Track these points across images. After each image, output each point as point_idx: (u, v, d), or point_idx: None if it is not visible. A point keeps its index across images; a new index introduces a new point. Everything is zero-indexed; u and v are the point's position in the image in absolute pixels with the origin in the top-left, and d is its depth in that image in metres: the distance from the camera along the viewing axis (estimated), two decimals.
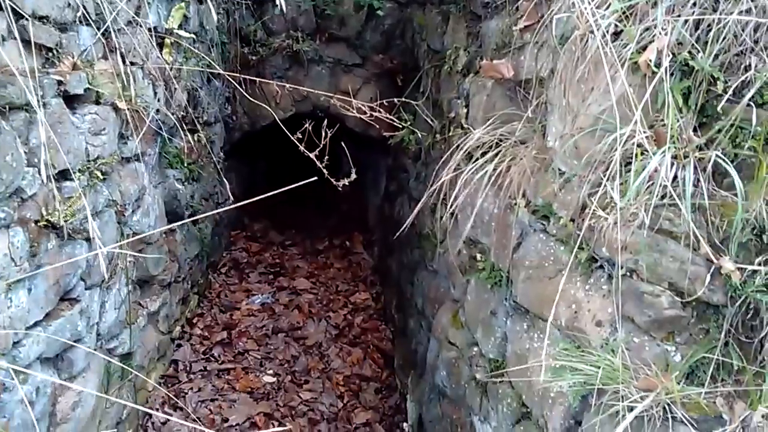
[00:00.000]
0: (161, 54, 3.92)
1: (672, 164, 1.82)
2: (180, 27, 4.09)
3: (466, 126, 3.09)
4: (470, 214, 3.04)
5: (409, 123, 5.02)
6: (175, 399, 4.02)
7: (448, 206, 3.50)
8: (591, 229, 2.00)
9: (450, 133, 3.30)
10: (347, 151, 6.90)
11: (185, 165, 4.61)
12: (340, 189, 3.01)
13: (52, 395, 2.81)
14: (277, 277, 5.91)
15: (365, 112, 3.28)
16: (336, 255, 6.52)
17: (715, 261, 1.72)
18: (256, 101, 5.10)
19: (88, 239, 3.00)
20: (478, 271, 2.82)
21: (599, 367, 1.79)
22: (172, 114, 4.13)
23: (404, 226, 3.12)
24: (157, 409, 3.96)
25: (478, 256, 2.87)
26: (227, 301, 5.37)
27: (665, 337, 1.82)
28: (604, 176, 1.94)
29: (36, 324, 2.58)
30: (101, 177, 3.03)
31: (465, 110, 3.21)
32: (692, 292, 1.75)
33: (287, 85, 4.84)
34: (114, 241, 3.34)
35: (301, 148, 2.98)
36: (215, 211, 3.74)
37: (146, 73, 3.66)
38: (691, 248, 1.75)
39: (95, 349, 3.24)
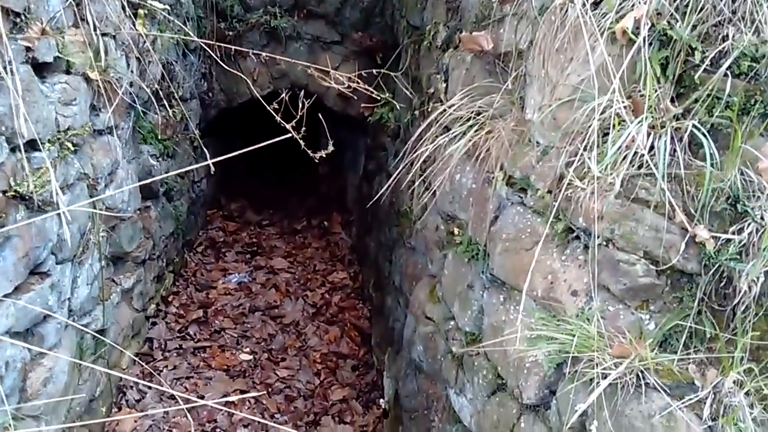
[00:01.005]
0: (135, 25, 3.82)
1: (649, 134, 1.82)
2: None
3: (444, 101, 3.07)
4: (448, 189, 3.04)
5: (387, 98, 5.00)
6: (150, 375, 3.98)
7: (426, 182, 3.49)
8: (568, 200, 2.00)
9: (428, 109, 3.27)
10: (326, 128, 6.85)
11: (160, 141, 4.53)
12: (317, 161, 2.95)
13: (23, 370, 2.75)
14: (254, 256, 5.86)
15: (344, 83, 3.21)
16: (314, 235, 6.49)
17: (689, 229, 1.73)
18: (234, 74, 5.06)
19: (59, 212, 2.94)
20: (455, 245, 2.82)
21: (574, 336, 1.80)
22: (147, 87, 4.04)
23: (375, 199, 3.08)
24: (132, 387, 3.92)
25: (456, 230, 2.86)
26: (203, 279, 5.32)
27: (640, 305, 1.84)
28: (582, 147, 1.94)
29: (5, 297, 2.52)
30: (72, 149, 2.95)
31: (444, 85, 3.18)
32: (667, 261, 1.76)
33: (264, 54, 4.75)
34: (85, 216, 3.27)
35: (278, 118, 2.92)
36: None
37: (119, 44, 3.57)
38: (666, 217, 1.76)
39: (66, 326, 3.19)
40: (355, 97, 6.29)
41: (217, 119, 6.25)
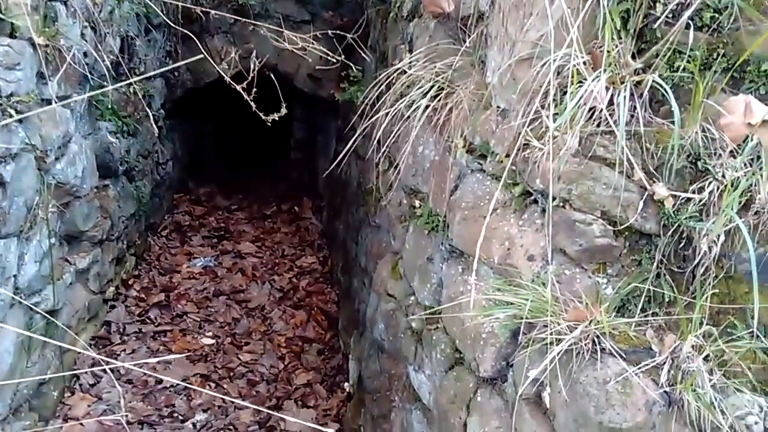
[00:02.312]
0: None
1: (608, 89, 1.73)
2: None
3: (408, 71, 2.96)
4: (411, 162, 2.95)
5: (357, 79, 4.89)
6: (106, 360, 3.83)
7: (391, 158, 3.39)
8: (525, 161, 1.91)
9: (393, 81, 3.17)
10: (294, 112, 6.67)
11: (119, 117, 4.37)
12: (269, 124, 2.83)
13: None
14: (221, 240, 5.73)
15: (303, 49, 3.11)
16: (284, 220, 6.37)
17: (648, 188, 1.65)
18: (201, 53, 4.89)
19: (1, 183, 2.79)
20: (416, 217, 2.72)
21: (529, 300, 1.71)
22: (103, 61, 3.88)
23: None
24: (86, 372, 3.77)
25: (417, 203, 2.77)
26: (167, 264, 5.18)
27: (597, 269, 1.75)
28: (540, 105, 1.85)
29: None
30: (15, 115, 2.80)
31: (408, 55, 3.08)
32: (625, 220, 1.68)
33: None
34: (33, 190, 3.12)
35: (227, 78, 2.79)
36: None
37: (71, 11, 3.40)
38: (624, 175, 1.67)
39: (13, 304, 3.04)
40: (325, 79, 6.23)
41: (184, 100, 6.08)
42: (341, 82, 5.39)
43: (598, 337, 1.63)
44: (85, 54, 3.62)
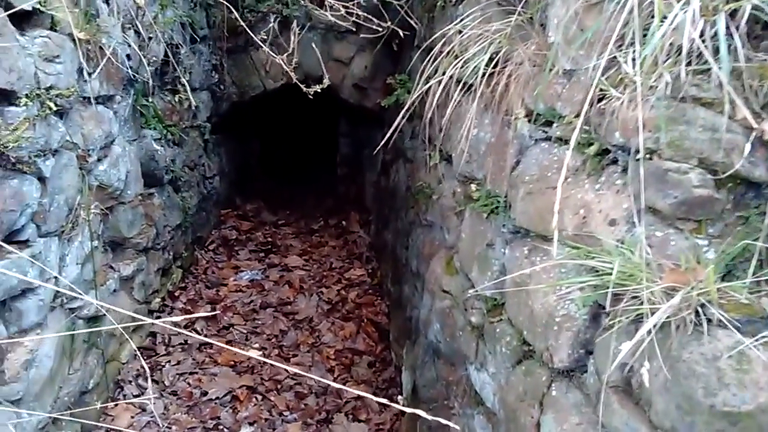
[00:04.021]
0: None
1: (698, 21, 1.49)
2: None
3: (459, 55, 2.77)
4: (465, 148, 2.73)
5: (404, 82, 4.73)
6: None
7: (437, 146, 3.19)
8: (601, 114, 1.68)
9: (443, 70, 2.97)
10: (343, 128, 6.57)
11: (164, 125, 4.31)
12: (310, 96, 2.66)
13: None
14: (268, 254, 5.60)
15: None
16: (331, 234, 6.20)
17: (755, 127, 1.39)
18: (246, 66, 4.82)
19: (41, 178, 2.71)
20: (473, 202, 2.50)
21: (615, 265, 1.45)
22: (148, 65, 3.83)
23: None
24: (130, 382, 3.64)
25: (474, 187, 2.55)
26: (214, 277, 5.06)
27: (695, 229, 1.49)
28: (616, 49, 1.62)
29: None
30: (55, 109, 2.72)
31: (459, 36, 2.89)
32: (728, 167, 1.42)
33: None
34: (75, 189, 3.04)
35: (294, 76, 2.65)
36: None
37: (113, 11, 3.36)
38: (725, 115, 1.42)
39: (53, 306, 2.94)
40: (371, 88, 6.11)
41: (230, 115, 6.05)
42: (387, 91, 5.25)
43: (702, 305, 1.36)
44: (128, 57, 3.57)
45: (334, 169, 7.49)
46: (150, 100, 4.08)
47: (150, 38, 3.90)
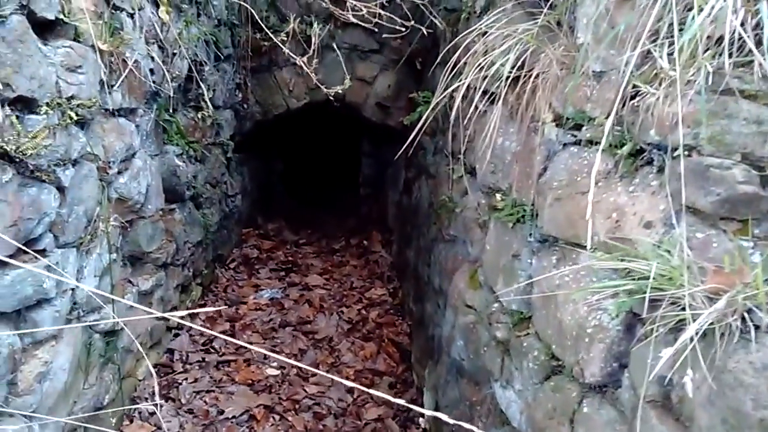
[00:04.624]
0: (157, 12, 3.66)
1: (740, 10, 1.41)
2: None
3: (483, 54, 2.70)
4: (488, 158, 2.66)
5: (428, 98, 4.68)
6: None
7: (460, 160, 3.12)
8: (635, 112, 1.59)
9: (467, 72, 2.90)
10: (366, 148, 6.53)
11: (187, 141, 4.31)
12: (331, 98, 2.61)
13: (11, 359, 2.44)
14: (289, 273, 5.54)
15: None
16: (353, 254, 6.13)
17: None
18: (269, 85, 4.81)
19: (60, 187, 2.69)
20: (497, 211, 2.41)
21: (653, 267, 1.35)
22: (171, 81, 3.85)
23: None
24: (146, 399, 3.58)
25: (498, 197, 2.46)
26: (234, 295, 5.01)
27: (739, 229, 1.38)
28: (649, 43, 1.54)
29: None
30: (76, 118, 2.71)
31: (483, 47, 2.83)
32: None
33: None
34: (94, 200, 3.02)
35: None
36: None
37: (137, 25, 3.38)
38: None
39: (70, 318, 2.90)
40: (393, 107, 6.08)
41: (253, 134, 6.06)
42: (410, 109, 5.21)
43: (749, 311, 1.25)
44: (151, 71, 3.58)
45: (356, 189, 7.46)
46: (173, 115, 4.09)
47: (174, 54, 3.92)
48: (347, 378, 4.05)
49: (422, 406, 3.67)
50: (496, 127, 2.54)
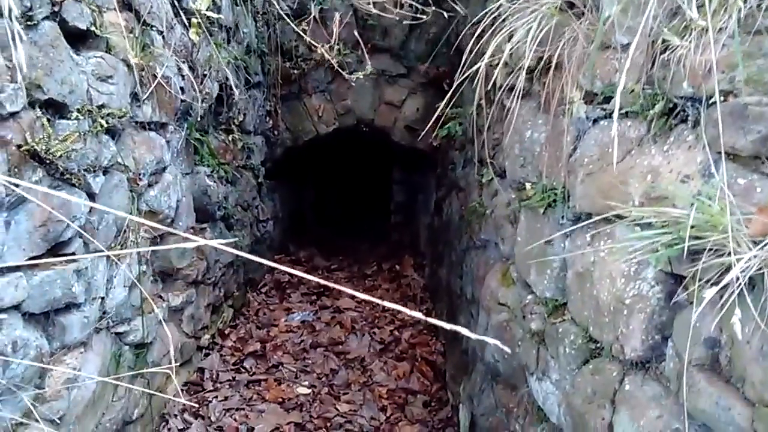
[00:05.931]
0: (188, 33, 3.75)
1: None
2: (208, 10, 3.94)
3: (509, 61, 2.68)
4: (517, 152, 2.60)
5: (456, 115, 4.66)
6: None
7: (488, 161, 3.06)
8: (665, 66, 1.53)
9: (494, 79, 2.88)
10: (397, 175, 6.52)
11: (218, 162, 4.36)
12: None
13: (38, 361, 2.43)
14: (321, 297, 5.48)
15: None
16: (384, 278, 6.06)
17: None
18: (299, 112, 4.85)
19: (90, 194, 2.72)
20: (528, 199, 2.34)
21: (692, 212, 1.26)
22: (202, 101, 3.92)
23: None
24: (176, 416, 3.52)
25: (528, 186, 2.39)
26: (265, 318, 4.97)
27: None
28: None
29: (16, 269, 2.26)
30: (106, 126, 2.76)
31: (508, 45, 2.81)
32: None
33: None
34: (124, 210, 3.04)
35: None
36: None
37: (167, 42, 3.46)
38: None
39: (99, 327, 2.89)
40: (422, 130, 6.08)
41: (283, 161, 6.12)
42: (439, 129, 5.20)
43: None
44: (182, 90, 3.65)
45: (388, 216, 7.43)
46: (204, 136, 4.15)
47: (204, 75, 4.00)
48: (380, 397, 3.94)
49: (457, 423, 3.53)
50: (524, 120, 2.49)
